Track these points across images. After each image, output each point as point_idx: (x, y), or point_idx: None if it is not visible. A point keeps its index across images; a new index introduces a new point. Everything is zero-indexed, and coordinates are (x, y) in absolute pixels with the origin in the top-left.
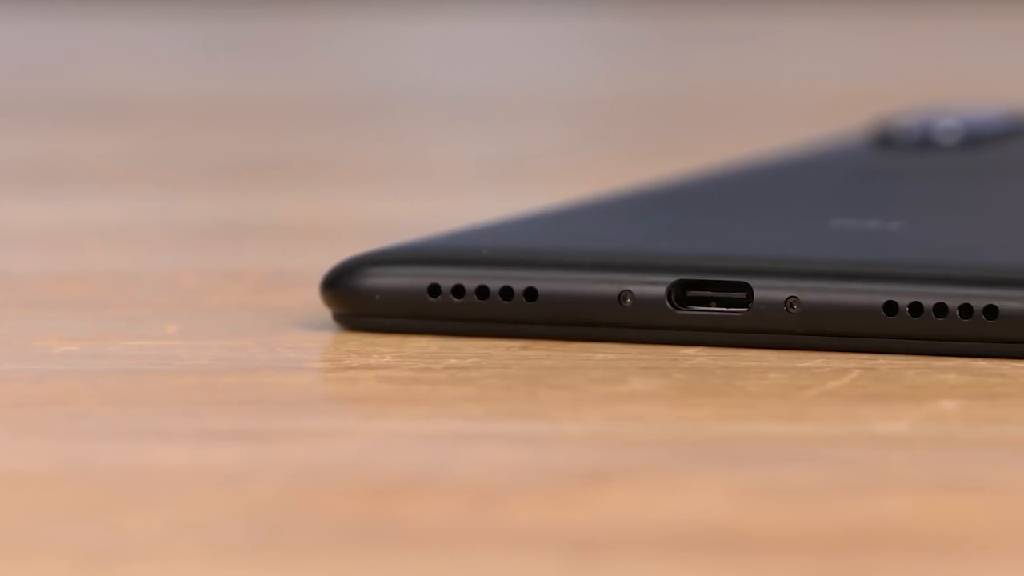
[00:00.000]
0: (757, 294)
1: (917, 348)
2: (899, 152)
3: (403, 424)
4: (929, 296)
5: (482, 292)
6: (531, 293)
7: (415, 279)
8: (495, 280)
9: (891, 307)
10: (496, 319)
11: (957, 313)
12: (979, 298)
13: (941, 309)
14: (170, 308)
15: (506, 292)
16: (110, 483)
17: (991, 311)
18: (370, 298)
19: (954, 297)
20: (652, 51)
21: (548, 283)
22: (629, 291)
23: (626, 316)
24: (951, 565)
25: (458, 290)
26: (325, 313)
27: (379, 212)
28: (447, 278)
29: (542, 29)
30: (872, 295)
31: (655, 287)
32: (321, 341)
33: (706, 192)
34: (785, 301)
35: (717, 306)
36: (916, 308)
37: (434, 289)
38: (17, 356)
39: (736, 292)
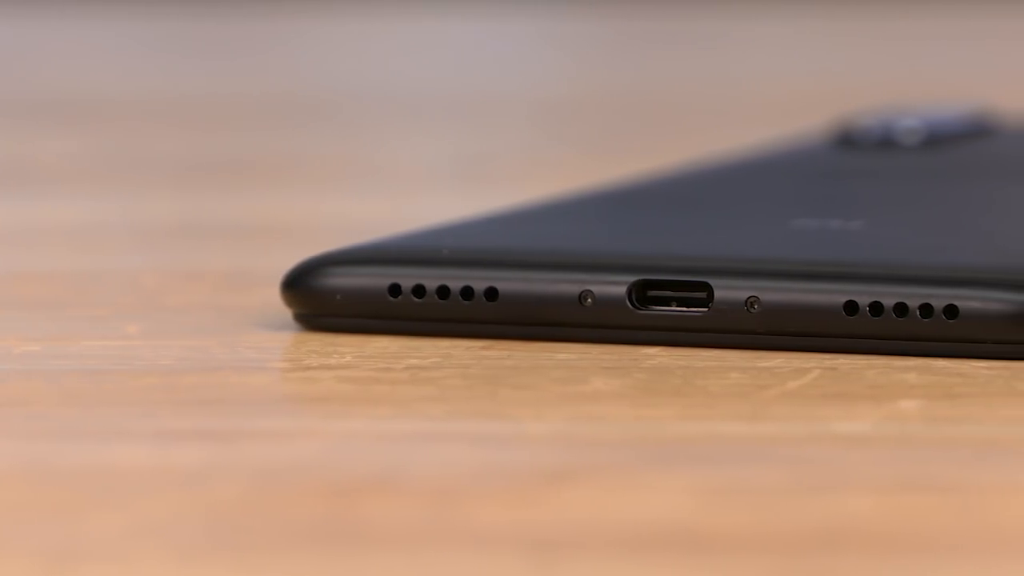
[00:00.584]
0: (718, 294)
1: (878, 348)
2: (860, 152)
3: (364, 424)
4: (889, 296)
5: (443, 292)
6: (492, 293)
7: (376, 279)
8: (456, 280)
9: (851, 307)
10: (457, 319)
11: (917, 313)
12: (939, 298)
13: (901, 309)
14: (131, 308)
15: (467, 292)
16: (71, 483)
17: (951, 311)
18: (331, 298)
19: (914, 297)
20: (615, 51)
21: (509, 283)
22: (590, 291)
23: (587, 316)
24: (912, 565)
25: (419, 290)
26: (286, 313)
27: (340, 212)
28: (408, 278)
29: (505, 29)
30: (832, 295)
31: (616, 287)
32: (282, 341)
33: (667, 192)
34: (746, 301)
35: (678, 306)
36: (876, 308)
37: (395, 289)
38: None
39: (697, 292)
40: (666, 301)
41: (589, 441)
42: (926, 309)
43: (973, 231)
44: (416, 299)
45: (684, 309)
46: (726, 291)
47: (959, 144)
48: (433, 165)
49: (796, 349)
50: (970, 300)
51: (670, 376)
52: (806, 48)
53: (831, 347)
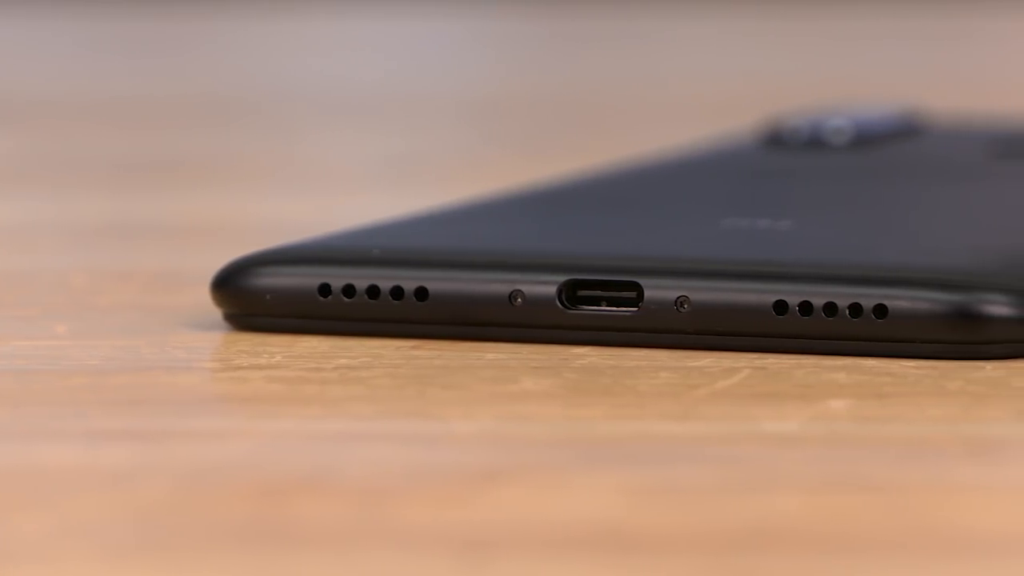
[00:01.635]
0: (647, 293)
1: (807, 347)
2: (789, 152)
3: (293, 424)
4: (819, 295)
5: (372, 292)
6: (422, 293)
7: (305, 279)
8: (386, 280)
9: (781, 306)
10: (387, 319)
11: (847, 312)
12: (868, 297)
13: (831, 308)
14: (60, 308)
15: (397, 292)
16: None
17: (880, 310)
18: (260, 298)
19: (844, 296)
20: (547, 51)
21: (439, 283)
22: (520, 291)
23: (517, 316)
24: (841, 564)
25: (349, 290)
26: (216, 313)
27: (271, 212)
28: (337, 278)
29: (437, 28)
30: (762, 294)
31: (546, 287)
32: (211, 341)
33: (597, 192)
34: (675, 300)
35: (608, 305)
36: (806, 307)
37: (324, 289)
38: None
39: (626, 292)
40: (596, 301)
41: (519, 441)
42: (855, 309)
43: (902, 231)
44: (346, 299)
45: (614, 309)
46: (656, 291)
47: (887, 144)
48: (364, 165)
49: (726, 349)
50: (899, 300)
51: (600, 376)
52: (738, 48)
53: (761, 347)
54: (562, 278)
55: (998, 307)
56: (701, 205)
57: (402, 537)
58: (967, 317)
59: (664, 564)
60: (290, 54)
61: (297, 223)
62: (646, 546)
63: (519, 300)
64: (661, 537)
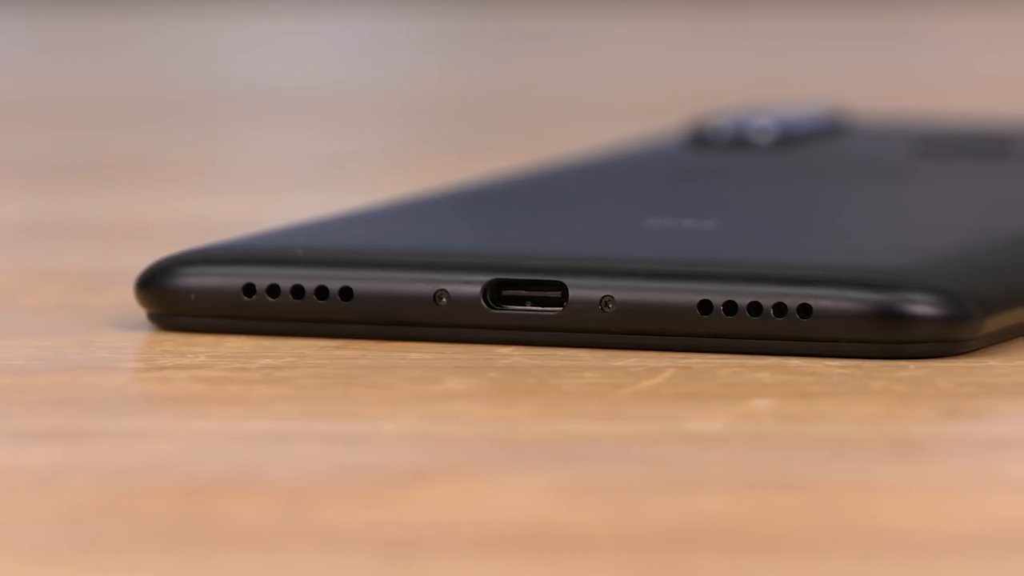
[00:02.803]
0: (572, 293)
1: (731, 347)
2: (713, 151)
3: (217, 424)
4: (743, 295)
5: (297, 292)
6: (346, 292)
7: (230, 279)
8: (310, 280)
9: (705, 306)
10: (311, 319)
11: (771, 312)
12: (793, 297)
13: (755, 308)
14: None
15: (321, 292)
16: None
17: (805, 310)
18: (185, 298)
19: (768, 296)
20: (473, 50)
21: (363, 282)
22: (444, 290)
23: (441, 315)
24: (766, 563)
25: (273, 290)
26: (140, 313)
27: (197, 212)
28: (262, 278)
29: (363, 28)
30: (686, 294)
31: (470, 286)
32: (136, 341)
33: (522, 191)
34: (600, 300)
35: (532, 305)
36: (730, 307)
37: (249, 289)
38: None
39: (551, 291)
40: (521, 300)
41: (443, 441)
42: (779, 308)
43: (826, 230)
44: (270, 299)
45: (539, 309)
46: (580, 290)
47: (812, 143)
48: (291, 165)
49: (650, 348)
50: (823, 299)
51: (525, 376)
52: (662, 48)
53: (685, 346)
54: (486, 278)
55: (922, 306)
56: (626, 205)
57: (327, 537)
58: (891, 316)
59: (590, 563)
60: (218, 54)
61: (223, 223)
62: (571, 546)
63: (444, 300)
64: (586, 537)
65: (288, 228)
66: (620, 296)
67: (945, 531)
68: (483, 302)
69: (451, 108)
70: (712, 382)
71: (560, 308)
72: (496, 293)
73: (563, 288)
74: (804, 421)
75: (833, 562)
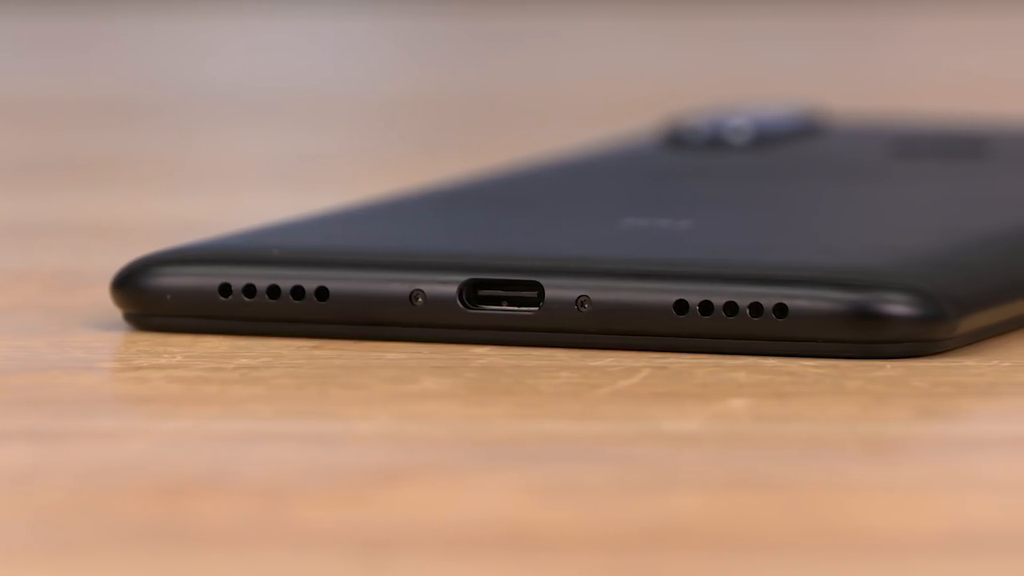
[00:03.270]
0: (548, 293)
1: (707, 347)
2: (689, 151)
3: (193, 424)
4: (719, 295)
5: (273, 292)
6: (322, 293)
7: (206, 279)
8: (286, 280)
9: (681, 306)
10: (287, 319)
11: (747, 312)
12: (768, 297)
13: (731, 308)
14: None
15: (297, 292)
16: None
17: (780, 310)
18: (161, 298)
19: (744, 296)
20: (448, 50)
21: (339, 283)
22: (420, 290)
23: (417, 315)
24: (740, 563)
25: (249, 290)
26: (116, 313)
27: (172, 212)
28: (238, 278)
29: (337, 27)
30: (662, 294)
31: (446, 286)
32: (111, 341)
33: (498, 191)
34: (576, 300)
35: (508, 305)
36: (706, 307)
37: (225, 289)
38: None
39: (527, 291)
40: (497, 300)
41: (419, 440)
42: (755, 308)
43: (802, 230)
44: (246, 299)
45: (515, 308)
46: (556, 290)
47: (787, 143)
48: (266, 164)
49: (626, 348)
50: (799, 299)
51: (501, 376)
52: (638, 48)
53: (661, 346)
54: (463, 278)
55: (897, 306)
56: (602, 205)
57: (301, 537)
58: (866, 316)
59: (565, 563)
60: (191, 54)
61: (198, 223)
62: (547, 545)
63: (420, 300)
64: (562, 536)
65: (264, 228)
66: (596, 296)
67: (920, 531)
68: (459, 302)
69: (428, 108)
70: (688, 382)
71: (536, 308)
72: (472, 293)
73: (539, 288)
74: (780, 421)
75: (808, 562)
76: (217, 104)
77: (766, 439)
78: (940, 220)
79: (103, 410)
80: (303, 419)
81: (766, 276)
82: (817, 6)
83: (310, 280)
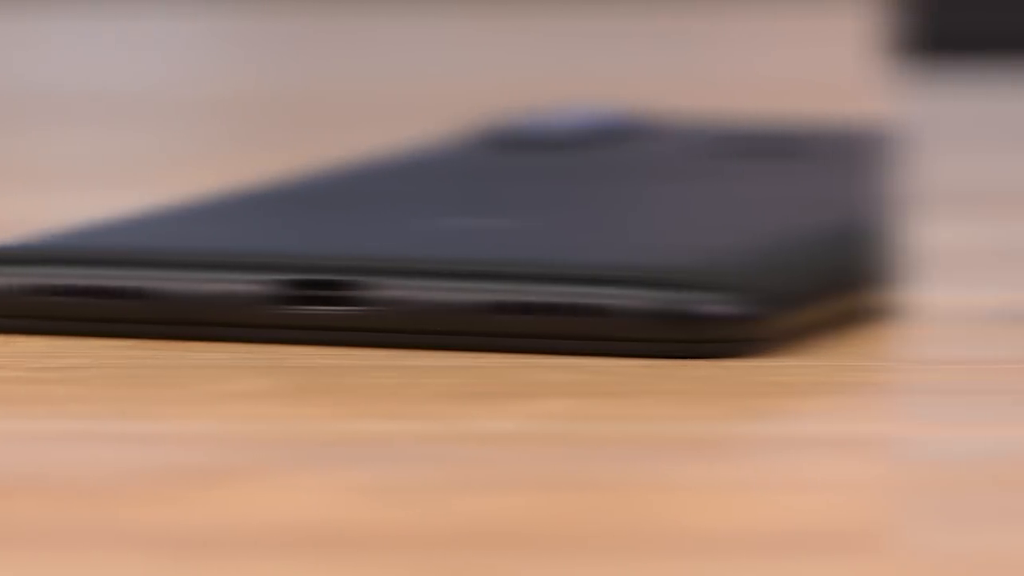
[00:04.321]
0: (367, 293)
1: (526, 346)
2: (510, 152)
3: (10, 424)
4: (537, 295)
5: (91, 291)
6: (140, 292)
7: (23, 278)
8: (104, 279)
9: (499, 306)
10: (105, 318)
11: (564, 311)
12: (587, 296)
13: (549, 308)
14: None
15: (114, 292)
16: None
17: (599, 310)
18: None
19: (563, 295)
20: (265, 50)
21: (157, 282)
22: (237, 290)
23: (235, 315)
24: (560, 563)
25: (66, 289)
26: None
27: None
28: (56, 277)
29: (159, 28)
30: (480, 294)
31: (264, 286)
32: None
33: (317, 191)
34: (394, 300)
35: (327, 305)
36: (524, 307)
37: (43, 288)
38: None
39: (345, 291)
40: (314, 300)
41: (238, 441)
42: (573, 308)
43: (620, 231)
44: (64, 298)
45: (332, 308)
46: (374, 290)
47: (609, 144)
48: (86, 164)
49: (445, 348)
50: (616, 299)
51: (319, 375)
52: (459, 48)
53: (480, 346)
54: (279, 277)
55: (713, 306)
56: (421, 205)
57: (119, 538)
58: (681, 316)
59: (386, 563)
60: (25, 53)
61: (15, 222)
62: (368, 546)
63: (237, 300)
64: (383, 537)
65: (82, 227)
66: (414, 296)
67: (745, 530)
68: (276, 302)
69: (250, 108)
70: (507, 382)
71: (354, 308)
72: (289, 293)
73: (357, 287)
74: (598, 420)
75: (628, 562)
76: (38, 104)
77: (585, 439)
78: (755, 220)
79: None
80: (120, 419)
81: (583, 276)
82: (645, 6)
83: (128, 280)
